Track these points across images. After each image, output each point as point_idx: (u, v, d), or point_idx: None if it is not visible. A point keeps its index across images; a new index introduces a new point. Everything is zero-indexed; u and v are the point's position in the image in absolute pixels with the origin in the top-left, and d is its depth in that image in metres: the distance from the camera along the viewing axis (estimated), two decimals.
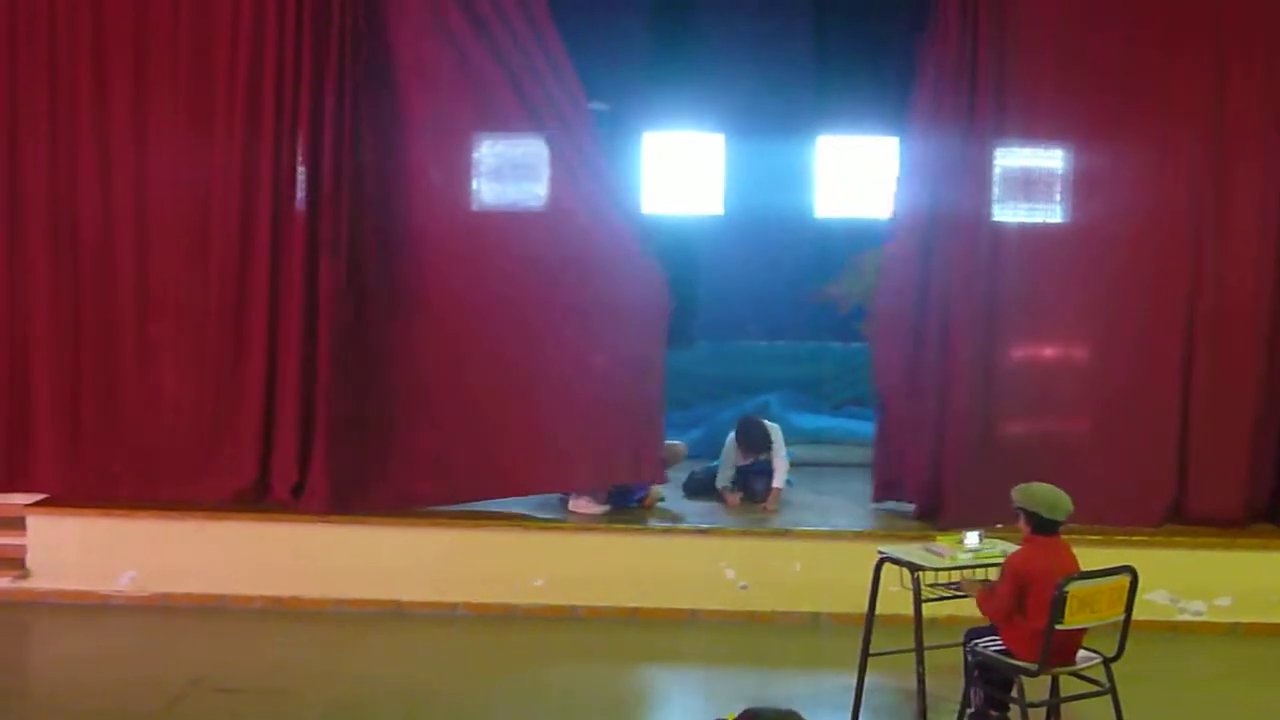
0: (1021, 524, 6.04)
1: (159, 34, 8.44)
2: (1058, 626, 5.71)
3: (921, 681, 6.29)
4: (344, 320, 8.40)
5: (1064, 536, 6.06)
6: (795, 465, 9.28)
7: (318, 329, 8.41)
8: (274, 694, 6.99)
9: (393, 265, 8.51)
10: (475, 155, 8.59)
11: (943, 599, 6.39)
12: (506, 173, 8.62)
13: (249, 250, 8.44)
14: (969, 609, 6.35)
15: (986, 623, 6.19)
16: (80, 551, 8.39)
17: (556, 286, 8.45)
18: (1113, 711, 6.04)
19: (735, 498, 9.02)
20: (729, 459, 9.12)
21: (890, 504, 8.83)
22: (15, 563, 8.43)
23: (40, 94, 8.48)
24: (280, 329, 8.45)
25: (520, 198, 8.61)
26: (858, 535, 8.18)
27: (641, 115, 12.37)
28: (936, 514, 8.39)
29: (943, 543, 6.50)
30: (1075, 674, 6.07)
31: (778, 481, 8.94)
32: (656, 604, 8.27)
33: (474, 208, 8.63)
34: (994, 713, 6.22)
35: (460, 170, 8.59)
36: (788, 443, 9.17)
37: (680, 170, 12.94)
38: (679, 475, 9.18)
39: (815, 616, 8.22)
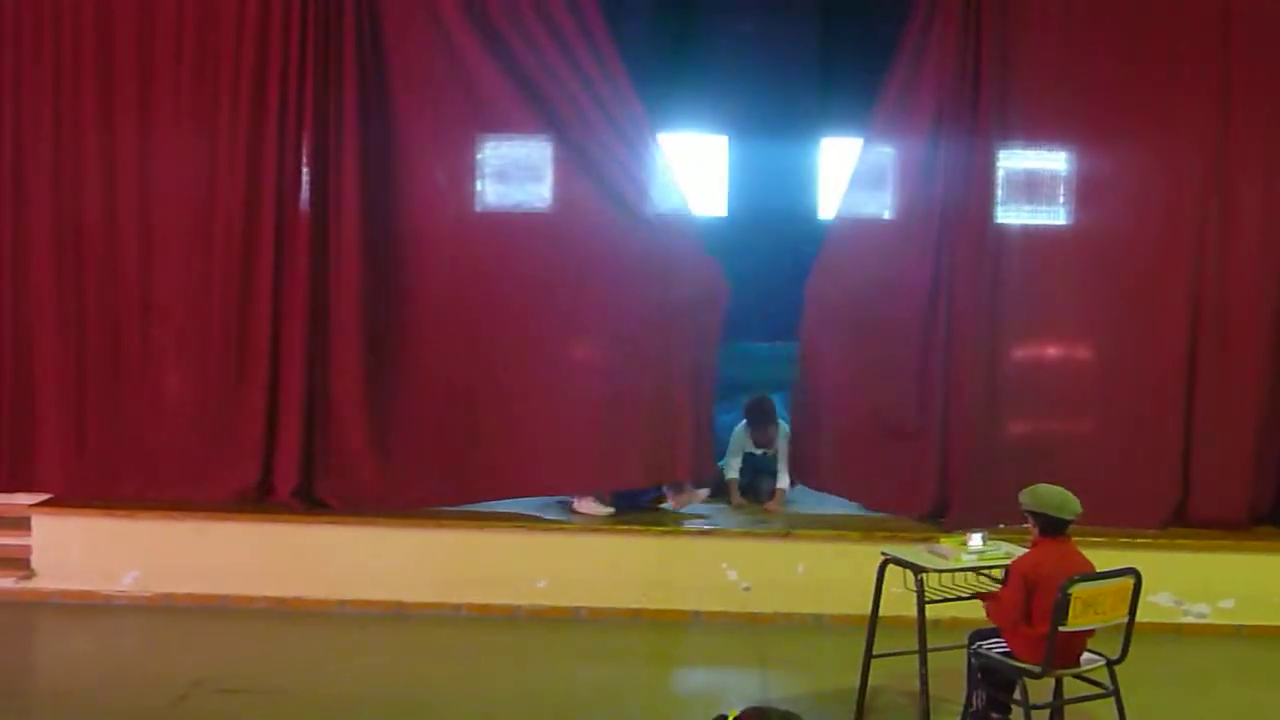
0: (1030, 527, 6.03)
1: (164, 35, 8.43)
2: (1062, 629, 5.71)
3: (925, 683, 6.28)
4: (350, 321, 8.42)
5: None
6: None
7: (322, 330, 8.42)
8: (277, 694, 6.99)
9: (400, 266, 8.50)
10: (480, 156, 8.56)
11: (946, 600, 6.38)
12: (511, 174, 8.60)
13: (253, 251, 8.44)
14: (973, 611, 6.34)
15: (991, 625, 6.18)
16: (84, 552, 8.40)
17: (589, 287, 8.42)
18: (1116, 714, 6.03)
19: (739, 497, 8.99)
20: (737, 446, 9.08)
21: None
22: (21, 563, 8.43)
23: (45, 95, 8.49)
24: (284, 330, 8.45)
25: (526, 199, 8.59)
26: (861, 537, 8.16)
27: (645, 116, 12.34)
28: (940, 515, 8.38)
29: (946, 544, 6.49)
30: (1079, 676, 6.06)
31: (783, 482, 8.93)
32: (660, 605, 8.27)
33: (477, 209, 8.59)
34: (995, 715, 6.20)
35: (465, 171, 8.54)
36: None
37: (684, 172, 12.92)
38: None
39: (818, 618, 8.21)
